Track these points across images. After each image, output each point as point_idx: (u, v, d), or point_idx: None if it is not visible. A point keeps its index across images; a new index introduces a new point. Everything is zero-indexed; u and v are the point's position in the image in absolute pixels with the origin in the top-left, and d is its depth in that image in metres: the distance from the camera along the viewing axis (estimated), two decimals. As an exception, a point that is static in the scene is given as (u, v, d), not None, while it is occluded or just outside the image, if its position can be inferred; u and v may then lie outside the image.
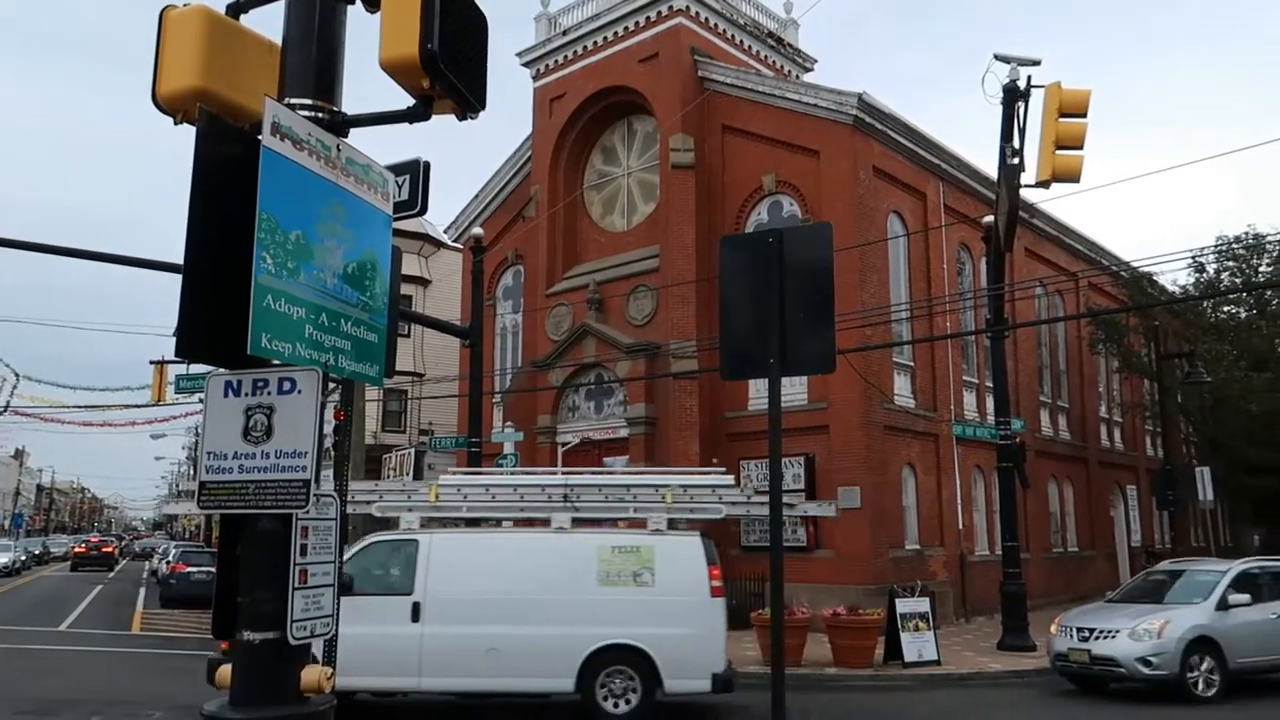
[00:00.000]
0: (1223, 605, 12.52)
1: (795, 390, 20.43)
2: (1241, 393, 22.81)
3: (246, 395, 3.61)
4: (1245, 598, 12.70)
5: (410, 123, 3.89)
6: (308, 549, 3.62)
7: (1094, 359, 29.28)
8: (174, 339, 3.48)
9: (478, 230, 20.71)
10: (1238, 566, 13.53)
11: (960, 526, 22.03)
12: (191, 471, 69.41)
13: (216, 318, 3.56)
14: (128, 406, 31.33)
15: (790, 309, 5.25)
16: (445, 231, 29.18)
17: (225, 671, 3.64)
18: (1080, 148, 10.15)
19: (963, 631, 18.81)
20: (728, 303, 5.59)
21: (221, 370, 3.70)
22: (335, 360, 3.77)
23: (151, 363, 22.11)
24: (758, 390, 21.32)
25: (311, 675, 3.56)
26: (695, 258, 21.44)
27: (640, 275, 22.68)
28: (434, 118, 4.01)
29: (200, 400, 33.64)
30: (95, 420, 60.00)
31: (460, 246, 27.66)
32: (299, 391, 3.55)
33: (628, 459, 22.01)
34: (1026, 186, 11.26)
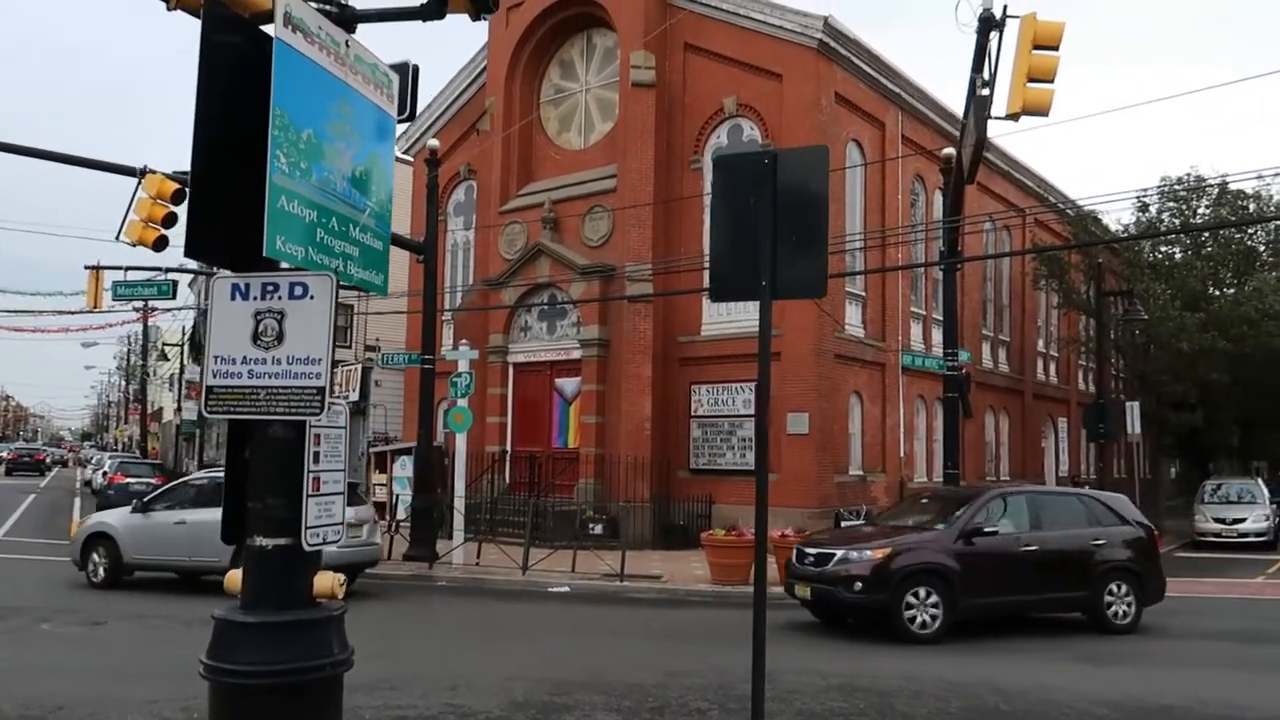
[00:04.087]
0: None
1: (749, 317, 20.55)
2: (1173, 331, 23.61)
3: (255, 299, 3.53)
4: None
5: (424, 20, 3.76)
6: (320, 456, 3.60)
7: (1036, 294, 29.98)
8: (184, 239, 3.37)
9: (433, 142, 20.17)
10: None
11: (902, 453, 22.66)
12: (124, 383, 67.76)
13: (223, 219, 3.45)
14: (60, 313, 30.27)
15: (783, 232, 5.26)
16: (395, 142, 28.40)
17: (235, 576, 3.63)
18: (1051, 81, 10.20)
19: (900, 553, 19.44)
20: (719, 224, 5.56)
21: (226, 272, 3.60)
22: (344, 267, 3.70)
23: (87, 268, 21.28)
24: (710, 316, 21.45)
25: (325, 581, 3.57)
26: (653, 179, 21.24)
27: (597, 195, 22.41)
28: (442, 18, 3.89)
29: (135, 310, 32.61)
30: (27, 326, 58.16)
31: (411, 159, 26.97)
32: (312, 297, 3.48)
33: (580, 381, 22.08)
34: (995, 119, 11.31)
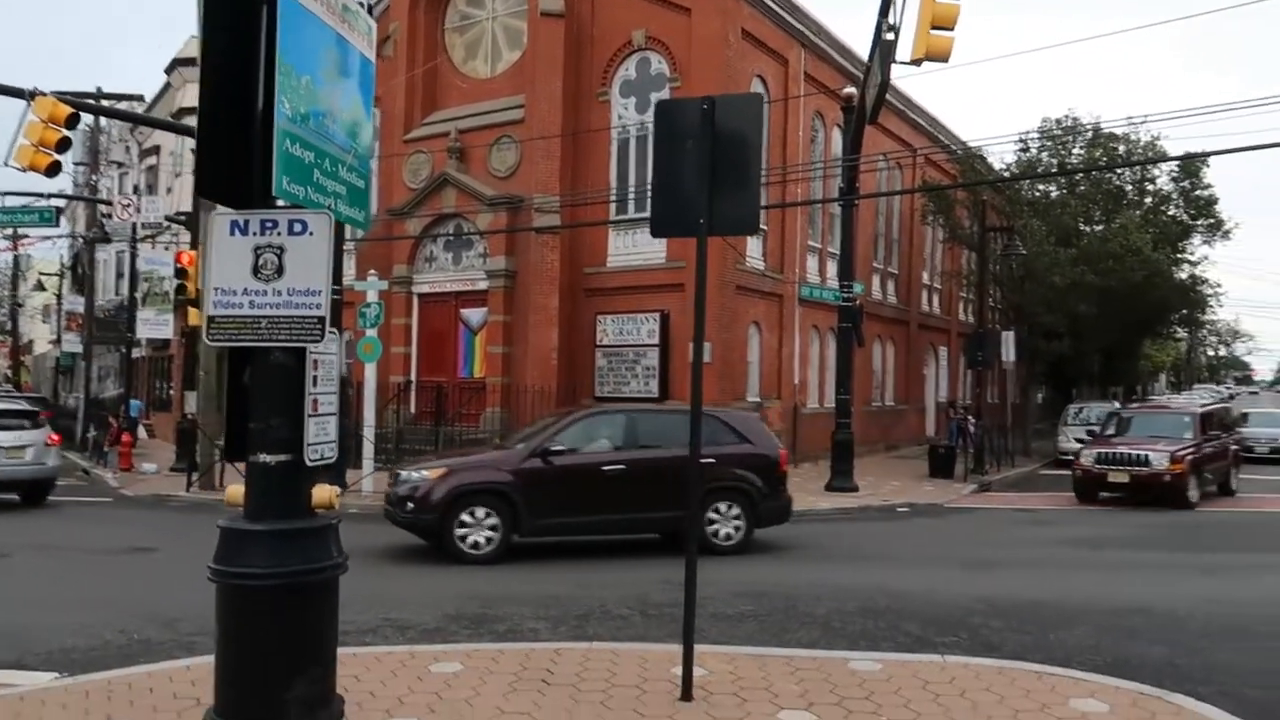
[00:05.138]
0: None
1: (655, 249, 21.04)
2: (1048, 266, 25.16)
3: (255, 235, 3.79)
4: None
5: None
6: (318, 380, 3.93)
7: (923, 229, 31.34)
8: (195, 178, 3.60)
9: (334, 66, 19.68)
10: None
11: (796, 381, 23.73)
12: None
13: (226, 158, 3.69)
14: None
15: (719, 173, 5.70)
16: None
17: (236, 491, 3.95)
18: (952, 29, 10.82)
19: (794, 476, 20.43)
20: (659, 164, 5.95)
21: (224, 209, 3.84)
22: (335, 205, 3.98)
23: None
24: (616, 248, 21.83)
25: (323, 494, 3.93)
26: (562, 111, 21.28)
27: (504, 125, 22.31)
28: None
29: (5, 237, 30.93)
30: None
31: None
32: (311, 234, 3.77)
33: (486, 311, 22.24)
34: (898, 63, 11.90)
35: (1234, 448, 19.65)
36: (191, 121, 20.93)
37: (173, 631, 7.53)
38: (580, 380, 21.64)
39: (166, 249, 28.38)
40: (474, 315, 22.71)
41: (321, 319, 3.76)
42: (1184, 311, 36.24)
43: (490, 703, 5.48)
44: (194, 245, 20.44)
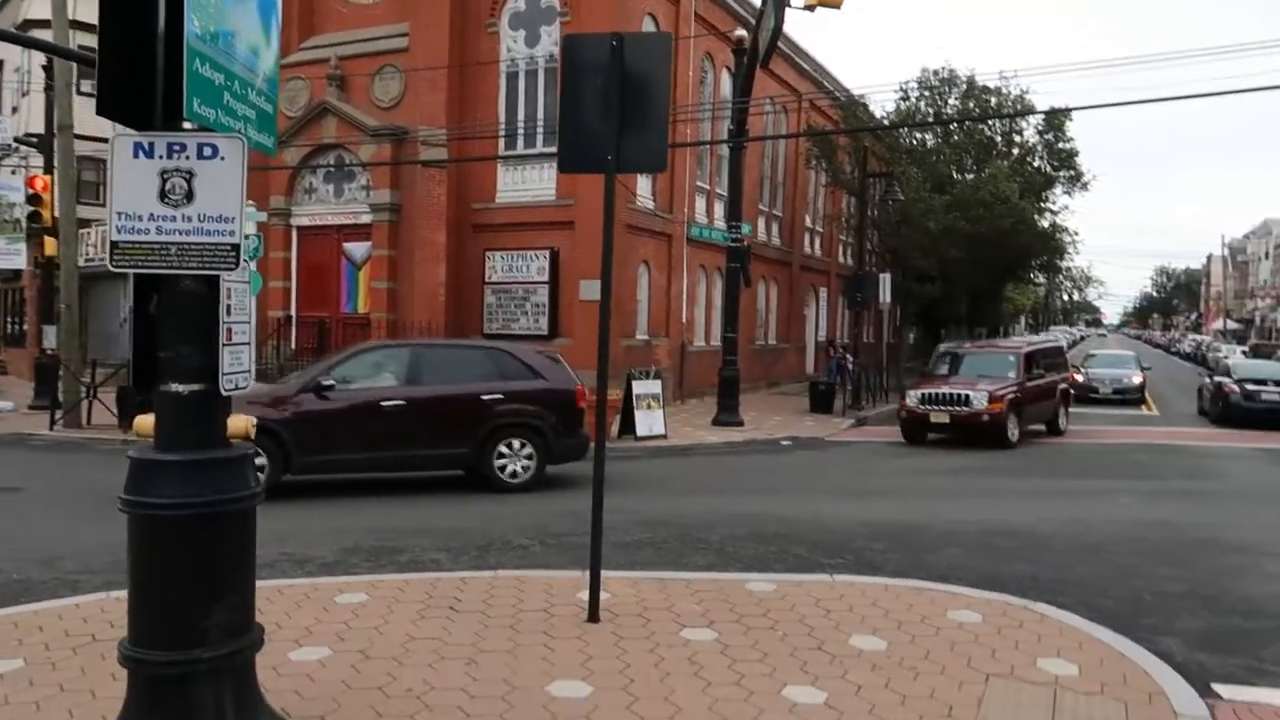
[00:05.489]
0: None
1: (544, 186, 20.89)
2: (923, 211, 26.14)
3: (161, 158, 3.65)
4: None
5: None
6: (231, 309, 3.86)
7: (807, 173, 31.99)
8: (96, 96, 3.44)
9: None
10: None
11: (684, 320, 24.11)
12: None
13: (129, 77, 3.53)
14: None
15: (628, 111, 5.74)
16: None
17: (145, 421, 3.87)
18: (843, -24, 11.07)
19: (681, 411, 21.07)
20: (567, 99, 5.94)
21: (125, 130, 3.68)
22: (245, 129, 3.88)
23: None
24: (505, 183, 21.54)
25: (239, 424, 3.89)
26: (448, 40, 20.67)
27: (388, 54, 21.54)
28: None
29: None
30: None
31: None
32: (222, 158, 3.66)
33: (371, 246, 21.69)
34: (793, 8, 12.06)
35: (1063, 387, 19.60)
36: (40, 35, 19.40)
37: (54, 570, 7.28)
38: (468, 317, 21.44)
39: (14, 173, 26.41)
40: (357, 249, 22.11)
41: (235, 246, 3.69)
42: (1045, 258, 38.26)
43: (400, 630, 5.56)
44: (48, 169, 19.15)
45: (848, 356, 24.02)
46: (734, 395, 19.06)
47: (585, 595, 5.94)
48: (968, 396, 16.77)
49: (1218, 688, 5.14)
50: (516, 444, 11.39)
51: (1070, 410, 20.29)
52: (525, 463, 11.41)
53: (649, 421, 16.79)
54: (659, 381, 17.35)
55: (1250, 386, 21.54)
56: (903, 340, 38.54)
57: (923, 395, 17.33)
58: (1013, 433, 16.93)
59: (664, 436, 16.73)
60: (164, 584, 3.72)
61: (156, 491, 3.71)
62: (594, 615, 5.76)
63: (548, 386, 11.66)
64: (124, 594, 5.88)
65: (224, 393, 3.79)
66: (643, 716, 4.37)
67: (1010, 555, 8.23)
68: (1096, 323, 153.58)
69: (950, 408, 16.88)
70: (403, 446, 10.99)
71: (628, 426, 16.46)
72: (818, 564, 7.71)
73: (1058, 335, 63.56)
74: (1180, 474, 14.19)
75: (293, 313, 22.64)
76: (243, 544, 3.92)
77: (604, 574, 6.01)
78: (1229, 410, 21.54)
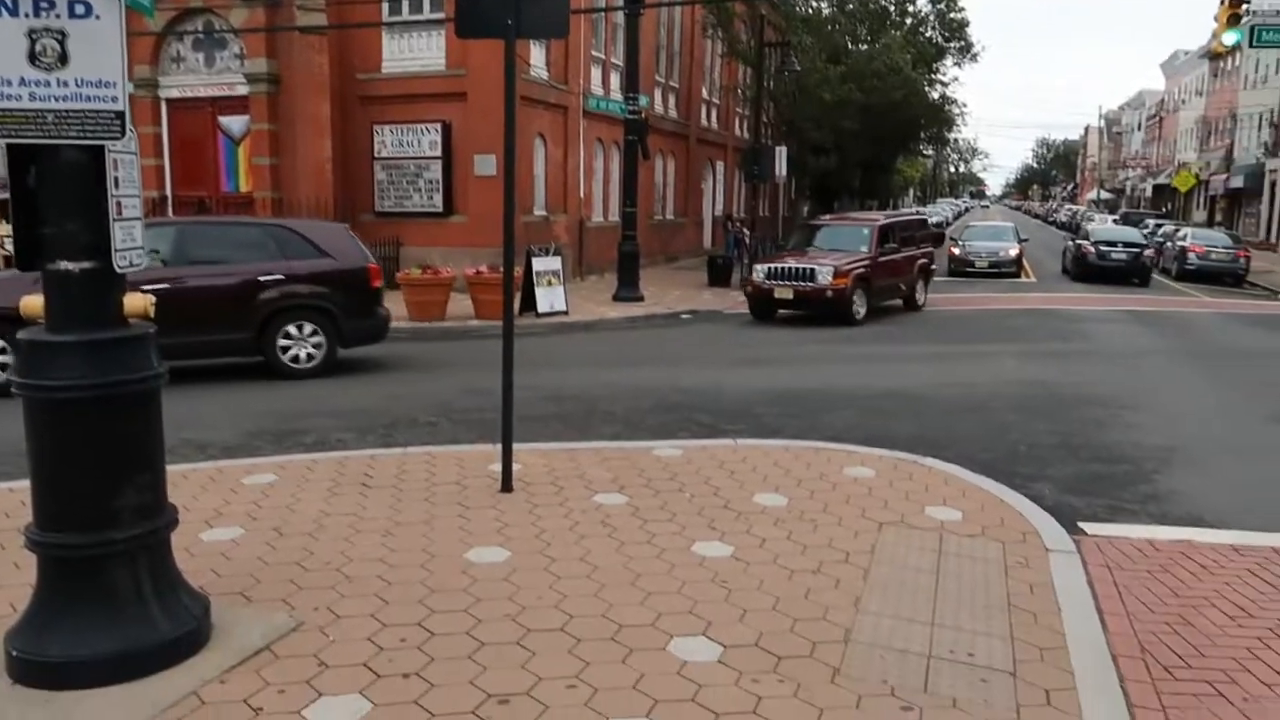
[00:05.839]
0: None
1: (434, 55, 20.00)
2: (818, 82, 26.17)
3: (28, 16, 3.38)
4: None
5: None
6: (120, 182, 3.66)
7: (704, 43, 31.42)
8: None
9: None
10: None
11: (581, 194, 23.83)
12: None
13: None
14: None
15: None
16: None
17: (33, 302, 3.69)
18: None
19: (582, 288, 21.07)
20: (464, -41, 5.69)
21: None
22: (118, -16, 3.60)
23: None
24: (391, 53, 20.52)
25: (136, 301, 3.75)
26: (322, -108, 19.19)
27: (254, -95, 19.87)
28: None
29: None
30: None
31: None
32: (97, 17, 3.42)
33: (249, 119, 20.52)
34: None
35: (922, 261, 18.90)
36: None
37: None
38: (359, 194, 20.72)
39: None
40: (234, 124, 20.90)
41: (120, 114, 3.48)
42: (934, 129, 38.96)
43: (313, 507, 5.59)
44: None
45: (745, 230, 24.28)
46: (634, 270, 19.13)
47: (497, 467, 6.05)
48: (812, 271, 15.97)
49: (1083, 525, 5.65)
50: (300, 328, 10.69)
51: (952, 282, 20.87)
52: (313, 348, 10.75)
53: (550, 298, 16.77)
54: (559, 258, 17.26)
55: (1103, 248, 25.97)
56: (798, 213, 39.06)
57: (769, 270, 16.56)
58: (859, 309, 16.24)
59: (565, 313, 16.76)
60: (69, 467, 3.65)
61: (55, 373, 3.59)
62: (507, 485, 5.89)
63: (336, 266, 10.87)
64: (15, 484, 5.74)
65: (118, 270, 3.64)
66: (560, 576, 4.56)
67: (900, 416, 8.70)
68: (980, 195, 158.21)
69: (794, 283, 16.07)
70: (173, 334, 10.25)
71: (529, 304, 16.40)
72: (721, 430, 8.00)
73: (943, 208, 65.38)
74: (1054, 336, 15.06)
75: (168, 192, 21.43)
76: (150, 424, 3.85)
77: (515, 446, 6.12)
78: (1086, 268, 25.94)
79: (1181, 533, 5.58)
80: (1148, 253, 26.19)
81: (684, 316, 17.53)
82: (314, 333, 10.77)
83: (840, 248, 17.15)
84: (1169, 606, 4.51)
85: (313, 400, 9.49)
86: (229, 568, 4.69)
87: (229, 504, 5.67)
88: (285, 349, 10.71)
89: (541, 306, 16.53)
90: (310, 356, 10.77)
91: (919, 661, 3.76)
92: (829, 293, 15.87)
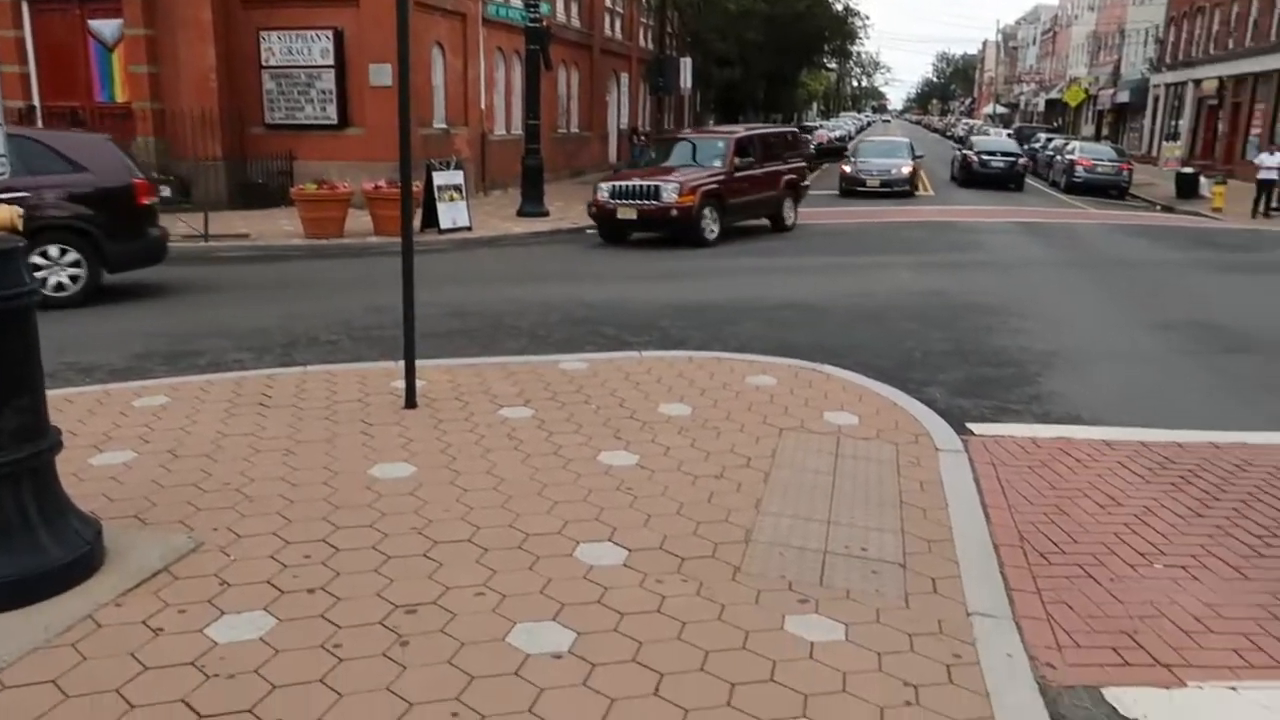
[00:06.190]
0: None
1: (321, -45, 18.92)
2: (723, -9, 25.81)
3: None
4: None
5: None
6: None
7: (605, -53, 30.51)
8: None
9: None
10: None
11: (483, 107, 23.18)
12: None
13: None
14: None
15: None
16: None
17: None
18: None
19: (485, 203, 20.67)
20: None
21: None
22: None
23: None
24: (274, -50, 19.34)
25: (3, 214, 3.53)
26: None
27: None
28: None
29: None
30: None
31: None
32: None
33: (122, 23, 19.17)
34: None
35: (789, 178, 17.59)
36: None
37: None
38: (248, 105, 19.72)
39: None
40: (106, 28, 19.50)
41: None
42: (838, 42, 39.00)
43: (209, 429, 5.44)
44: None
45: (650, 144, 24.03)
46: (538, 185, 18.81)
47: (400, 384, 5.98)
48: (656, 189, 14.75)
49: (971, 425, 5.92)
50: (54, 252, 9.66)
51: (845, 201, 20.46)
52: (72, 273, 9.76)
53: (452, 214, 16.41)
54: (460, 172, 16.83)
55: (985, 157, 29.77)
56: (704, 125, 38.82)
57: (612, 189, 15.27)
58: (710, 230, 15.19)
59: (469, 229, 16.44)
60: (-61, 391, 3.46)
61: (-87, 293, 3.37)
62: (411, 402, 5.84)
63: (94, 182, 9.87)
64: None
65: (-23, 181, 3.41)
66: (466, 489, 4.57)
67: (800, 326, 8.89)
68: (882, 109, 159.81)
69: (638, 201, 14.88)
70: None
71: (430, 219, 16.03)
72: (626, 343, 8.05)
73: (845, 122, 65.78)
74: (950, 248, 15.50)
75: (35, 102, 19.99)
76: (26, 344, 3.66)
77: (419, 363, 6.05)
78: (970, 175, 29.68)
79: (1060, 430, 5.90)
80: (1022, 161, 30.02)
81: (589, 231, 17.35)
82: (70, 256, 9.72)
83: (694, 163, 16.00)
84: (1046, 499, 4.79)
85: (205, 321, 9.15)
86: (121, 491, 4.55)
87: (119, 427, 5.47)
88: (40, 275, 9.52)
89: (444, 222, 16.17)
90: (63, 286, 9.71)
91: (815, 557, 3.93)
92: (674, 211, 14.67)
